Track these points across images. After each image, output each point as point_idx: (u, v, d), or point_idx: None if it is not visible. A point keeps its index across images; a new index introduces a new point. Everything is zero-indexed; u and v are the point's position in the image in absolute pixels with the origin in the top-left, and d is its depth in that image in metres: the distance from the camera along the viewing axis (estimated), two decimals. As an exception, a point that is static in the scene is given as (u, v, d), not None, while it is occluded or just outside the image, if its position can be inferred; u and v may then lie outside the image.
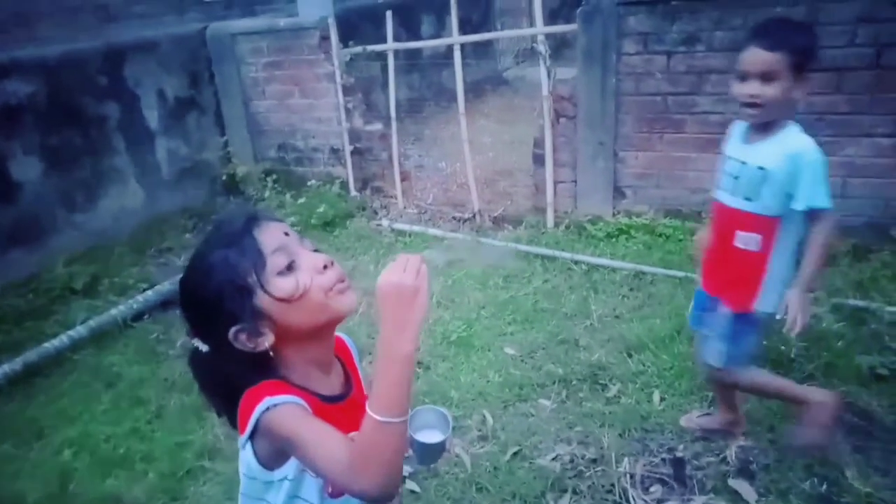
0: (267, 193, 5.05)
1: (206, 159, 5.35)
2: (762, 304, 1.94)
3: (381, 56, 4.74)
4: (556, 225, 4.18)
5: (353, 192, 5.01)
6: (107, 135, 4.63)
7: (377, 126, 5.02)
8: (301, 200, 4.83)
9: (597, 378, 2.74)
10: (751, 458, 2.21)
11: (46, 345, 3.20)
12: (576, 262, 3.69)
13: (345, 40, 4.79)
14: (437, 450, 1.23)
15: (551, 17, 4.21)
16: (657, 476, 2.19)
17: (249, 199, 5.17)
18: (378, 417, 0.86)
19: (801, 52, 1.75)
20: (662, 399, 2.55)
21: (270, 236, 0.99)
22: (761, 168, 1.83)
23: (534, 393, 2.70)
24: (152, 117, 4.95)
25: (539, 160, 4.26)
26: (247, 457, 1.03)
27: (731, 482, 2.12)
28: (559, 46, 5.13)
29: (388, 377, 0.88)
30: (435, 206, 4.77)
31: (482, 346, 3.04)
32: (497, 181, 5.08)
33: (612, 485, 2.18)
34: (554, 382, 2.73)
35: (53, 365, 3.18)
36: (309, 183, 5.07)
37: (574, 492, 2.17)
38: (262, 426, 0.97)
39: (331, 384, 1.11)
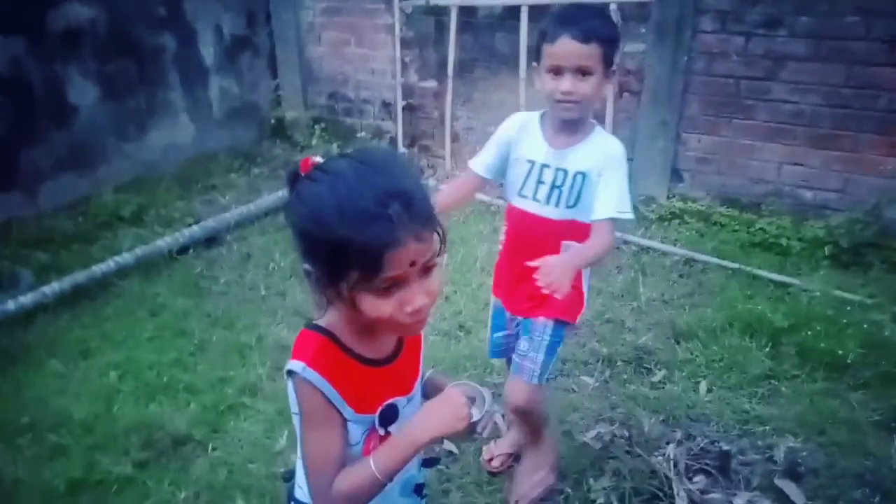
0: (314, 141, 5.01)
1: (256, 101, 5.32)
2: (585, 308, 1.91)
3: (439, 12, 4.61)
4: (607, 202, 4.08)
5: (402, 149, 4.95)
6: (162, 67, 4.60)
7: (431, 83, 4.92)
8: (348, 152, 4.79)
9: (642, 361, 2.69)
10: (799, 460, 2.15)
11: (94, 268, 3.23)
12: (626, 242, 3.60)
13: (405, -8, 4.67)
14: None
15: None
16: (701, 466, 2.15)
17: (296, 146, 5.14)
18: (378, 475, 1.01)
19: (612, 44, 1.65)
20: (710, 390, 2.50)
21: (399, 261, 0.92)
22: (581, 173, 1.71)
23: (576, 369, 2.66)
24: (208, 53, 4.90)
25: (596, 134, 4.14)
26: (289, 391, 1.06)
27: (778, 482, 2.07)
28: (624, 18, 4.93)
29: (398, 452, 1.02)
30: (482, 171, 4.68)
31: (525, 317, 3.00)
32: (547, 152, 4.96)
33: (654, 471, 2.14)
34: (598, 361, 2.69)
35: (99, 289, 3.21)
36: (358, 135, 5.02)
37: (614, 473, 2.14)
38: (291, 379, 1.04)
39: (380, 347, 1.10)
